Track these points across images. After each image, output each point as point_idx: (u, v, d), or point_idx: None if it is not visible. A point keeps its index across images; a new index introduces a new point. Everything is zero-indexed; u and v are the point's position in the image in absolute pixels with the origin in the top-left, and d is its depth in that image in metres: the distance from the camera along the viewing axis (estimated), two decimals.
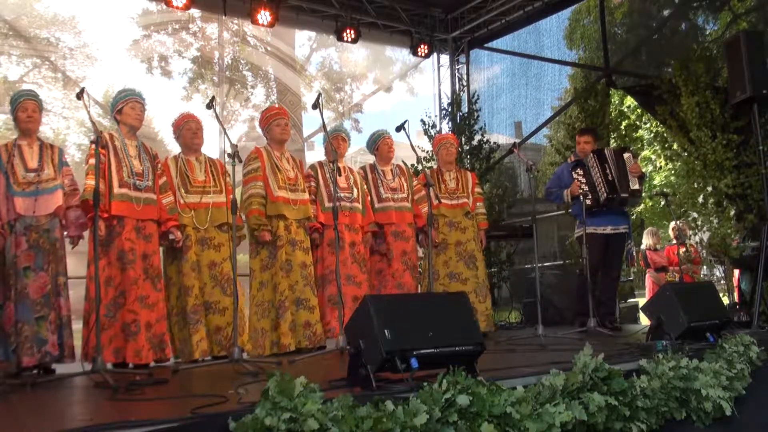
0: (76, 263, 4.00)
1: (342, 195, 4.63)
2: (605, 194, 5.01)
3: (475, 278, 5.12)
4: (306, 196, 4.53)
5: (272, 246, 4.31)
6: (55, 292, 3.70)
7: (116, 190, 3.78)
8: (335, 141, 4.76)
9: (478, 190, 5.42)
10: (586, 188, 5.07)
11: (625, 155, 5.14)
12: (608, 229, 5.14)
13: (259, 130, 4.79)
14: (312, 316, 4.31)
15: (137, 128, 4.05)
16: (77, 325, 3.82)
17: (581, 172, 5.14)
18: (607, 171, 5.05)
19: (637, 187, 5.10)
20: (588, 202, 4.99)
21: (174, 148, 8.85)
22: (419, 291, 5.15)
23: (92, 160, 3.59)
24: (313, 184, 4.67)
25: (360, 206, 4.76)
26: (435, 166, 5.77)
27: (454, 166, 5.44)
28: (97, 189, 3.27)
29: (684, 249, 6.71)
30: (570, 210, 5.73)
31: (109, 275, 3.73)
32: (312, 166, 4.82)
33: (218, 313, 4.15)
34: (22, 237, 3.66)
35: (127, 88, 4.07)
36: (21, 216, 3.67)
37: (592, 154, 5.16)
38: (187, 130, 4.31)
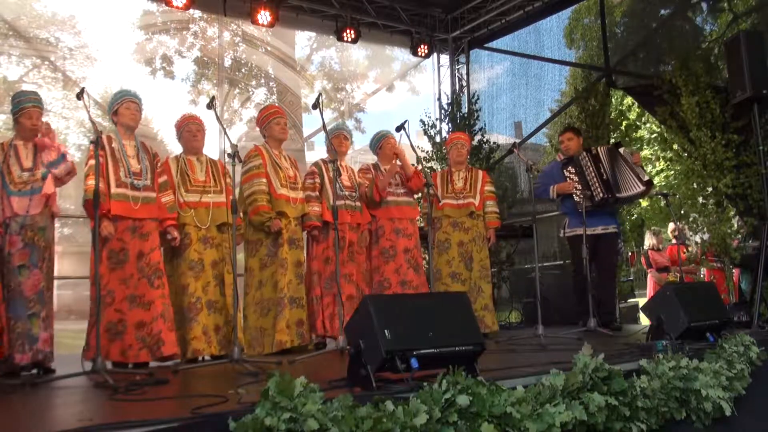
0: (75, 263, 4.00)
1: (347, 193, 4.64)
2: (600, 194, 4.96)
3: (469, 279, 5.11)
4: (303, 194, 4.52)
5: (271, 244, 4.31)
6: (47, 289, 3.70)
7: (113, 190, 3.78)
8: (337, 140, 4.75)
9: (489, 188, 5.33)
10: (579, 187, 5.01)
11: (621, 150, 5.05)
12: (599, 230, 5.09)
13: (256, 129, 4.79)
14: (303, 314, 4.36)
15: (133, 128, 4.03)
16: (78, 326, 3.82)
17: (573, 170, 5.08)
18: (602, 170, 5.01)
19: (647, 178, 5.00)
20: (579, 200, 4.92)
21: (174, 147, 8.88)
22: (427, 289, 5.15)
23: (92, 161, 3.59)
24: (317, 181, 4.65)
25: (361, 205, 4.78)
26: (435, 167, 5.75)
27: (465, 165, 5.42)
28: (97, 189, 3.27)
29: (690, 248, 6.69)
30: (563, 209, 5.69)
31: (101, 274, 3.72)
32: (316, 164, 4.77)
33: (218, 311, 4.15)
34: (17, 236, 3.65)
35: (123, 89, 4.08)
36: (17, 215, 3.66)
37: (585, 153, 5.10)
38: (187, 131, 4.31)
